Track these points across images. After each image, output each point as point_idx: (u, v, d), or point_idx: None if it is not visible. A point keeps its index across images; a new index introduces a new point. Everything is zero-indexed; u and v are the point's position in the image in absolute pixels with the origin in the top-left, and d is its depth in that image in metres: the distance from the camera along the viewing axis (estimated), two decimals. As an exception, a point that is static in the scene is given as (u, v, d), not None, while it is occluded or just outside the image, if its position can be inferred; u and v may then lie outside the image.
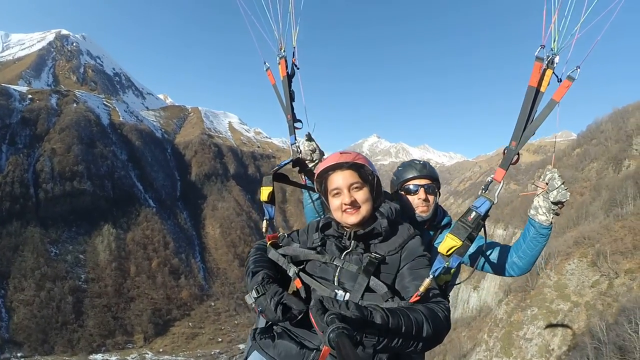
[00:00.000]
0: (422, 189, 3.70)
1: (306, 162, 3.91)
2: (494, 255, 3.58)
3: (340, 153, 2.82)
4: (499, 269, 3.55)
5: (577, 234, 52.90)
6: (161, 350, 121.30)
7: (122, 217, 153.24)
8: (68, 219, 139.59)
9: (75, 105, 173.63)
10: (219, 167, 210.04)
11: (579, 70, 2.51)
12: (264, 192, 3.24)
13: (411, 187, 3.75)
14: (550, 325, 42.14)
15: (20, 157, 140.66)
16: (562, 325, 41.07)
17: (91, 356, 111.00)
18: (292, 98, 3.96)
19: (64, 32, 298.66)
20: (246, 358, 2.78)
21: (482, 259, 3.59)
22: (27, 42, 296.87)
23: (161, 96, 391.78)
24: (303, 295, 2.81)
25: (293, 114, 3.95)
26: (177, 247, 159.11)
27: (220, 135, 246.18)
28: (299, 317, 2.52)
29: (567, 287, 44.50)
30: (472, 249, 3.52)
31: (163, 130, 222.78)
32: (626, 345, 30.15)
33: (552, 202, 3.01)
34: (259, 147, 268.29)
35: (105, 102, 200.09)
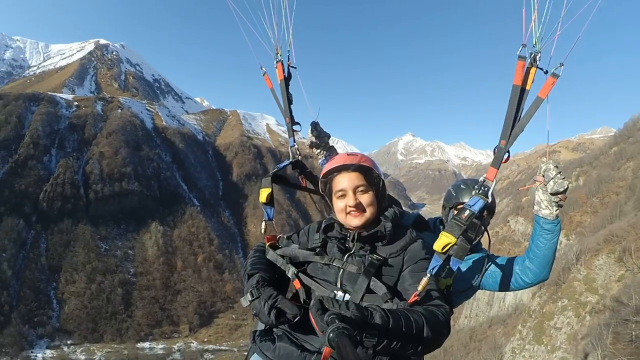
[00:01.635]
0: None
1: (313, 148, 3.95)
2: (503, 266, 3.42)
3: (347, 154, 2.72)
4: (511, 279, 3.36)
5: (607, 232, 52.34)
6: (205, 340, 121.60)
7: (168, 215, 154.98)
8: (117, 217, 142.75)
9: (120, 111, 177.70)
10: (258, 168, 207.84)
11: (562, 67, 2.44)
12: (263, 194, 3.13)
13: None
14: (578, 316, 42.42)
15: (70, 160, 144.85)
16: (590, 315, 41.11)
17: (139, 344, 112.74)
18: (290, 101, 3.75)
19: (103, 41, 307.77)
20: None
21: (492, 274, 3.47)
22: (67, 52, 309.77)
23: (198, 99, 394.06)
24: (303, 296, 2.69)
25: (292, 117, 3.74)
26: (221, 244, 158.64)
27: (259, 137, 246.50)
28: (293, 321, 2.45)
29: (595, 281, 44.69)
30: (477, 261, 3.55)
31: (204, 133, 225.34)
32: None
33: (550, 194, 2.85)
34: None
35: (148, 108, 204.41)
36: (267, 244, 2.92)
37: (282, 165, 3.42)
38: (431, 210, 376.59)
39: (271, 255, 2.80)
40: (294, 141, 3.70)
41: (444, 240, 2.37)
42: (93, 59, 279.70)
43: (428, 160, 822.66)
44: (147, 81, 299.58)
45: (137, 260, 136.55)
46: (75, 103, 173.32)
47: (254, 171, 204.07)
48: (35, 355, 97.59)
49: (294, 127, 3.74)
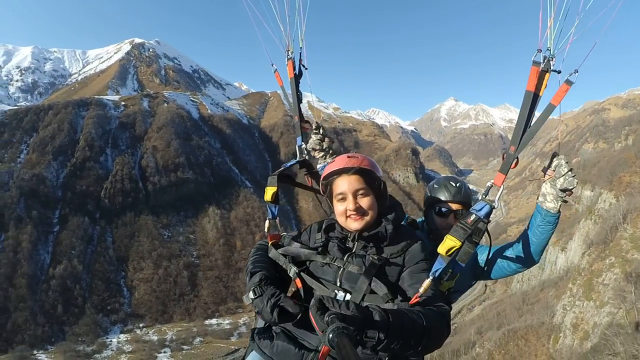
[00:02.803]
0: (452, 214, 3.43)
1: (315, 152, 3.71)
2: (500, 256, 3.31)
3: (348, 156, 2.61)
4: (507, 265, 3.28)
5: (653, 191, 51.11)
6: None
7: (223, 199, 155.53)
8: (176, 205, 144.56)
9: (166, 105, 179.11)
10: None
11: (577, 74, 2.33)
12: (268, 192, 3.02)
13: (443, 210, 3.46)
14: (624, 273, 42.07)
15: (125, 157, 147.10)
16: (635, 273, 40.14)
17: (207, 321, 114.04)
18: (299, 99, 3.66)
19: (138, 40, 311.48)
20: (244, 358, 2.68)
21: (496, 265, 3.34)
22: (105, 56, 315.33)
23: (236, 84, 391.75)
24: (303, 295, 2.64)
25: (301, 116, 3.62)
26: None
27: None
28: (296, 319, 2.37)
29: (641, 239, 44.50)
30: (475, 259, 3.40)
31: (248, 116, 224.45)
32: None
33: (559, 190, 2.79)
34: (339, 122, 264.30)
35: (192, 99, 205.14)
36: (270, 243, 2.83)
37: (288, 164, 3.28)
38: (478, 176, 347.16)
39: (273, 253, 2.72)
40: (302, 140, 3.54)
41: (449, 243, 2.33)
42: (131, 58, 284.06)
43: (473, 124, 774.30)
44: (187, 73, 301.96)
45: (198, 243, 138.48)
46: (122, 103, 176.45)
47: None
48: (111, 341, 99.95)
49: (304, 125, 3.57)
